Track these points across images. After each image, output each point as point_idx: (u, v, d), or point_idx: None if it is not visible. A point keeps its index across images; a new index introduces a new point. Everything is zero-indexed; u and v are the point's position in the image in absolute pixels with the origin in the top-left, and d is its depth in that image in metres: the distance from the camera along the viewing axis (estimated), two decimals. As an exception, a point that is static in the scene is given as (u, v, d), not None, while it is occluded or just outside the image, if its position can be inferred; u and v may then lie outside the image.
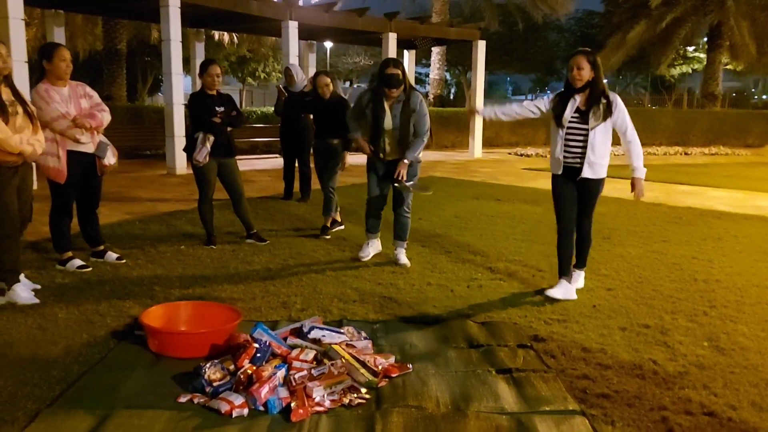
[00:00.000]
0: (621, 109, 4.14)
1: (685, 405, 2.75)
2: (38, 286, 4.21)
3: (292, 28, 12.14)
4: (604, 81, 4.17)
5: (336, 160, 6.15)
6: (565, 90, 4.22)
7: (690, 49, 31.59)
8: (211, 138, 5.32)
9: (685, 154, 18.60)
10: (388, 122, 4.77)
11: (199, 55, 14.22)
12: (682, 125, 21.61)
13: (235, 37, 20.09)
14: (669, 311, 4.03)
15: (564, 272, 4.33)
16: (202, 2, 10.90)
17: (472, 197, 8.85)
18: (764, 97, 45.58)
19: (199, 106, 5.39)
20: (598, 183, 4.22)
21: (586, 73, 4.06)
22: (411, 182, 4.86)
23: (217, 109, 5.36)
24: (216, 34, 19.00)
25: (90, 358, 3.14)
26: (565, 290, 4.26)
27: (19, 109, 3.88)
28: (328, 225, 6.14)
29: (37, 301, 3.96)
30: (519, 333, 3.59)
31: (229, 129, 5.46)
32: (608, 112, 4.09)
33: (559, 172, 4.26)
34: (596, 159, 4.13)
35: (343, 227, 6.31)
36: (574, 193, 4.26)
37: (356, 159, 6.32)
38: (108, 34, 16.55)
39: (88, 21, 18.82)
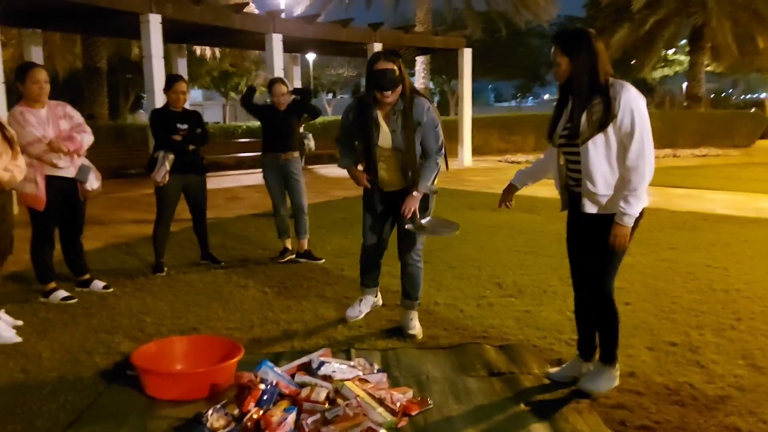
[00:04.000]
0: (627, 106, 2.63)
1: (734, 435, 2.53)
2: (20, 323, 3.92)
3: (276, 40, 11.91)
4: (599, 66, 2.71)
5: (298, 177, 5.58)
6: (560, 94, 2.93)
7: (670, 51, 31.80)
8: (171, 156, 5.03)
9: (675, 156, 18.57)
10: (385, 140, 3.54)
11: (182, 71, 13.93)
12: (670, 127, 21.59)
13: (217, 52, 19.79)
14: (694, 326, 3.81)
15: (579, 349, 3.10)
16: (183, 17, 10.63)
17: (468, 207, 8.64)
18: (743, 97, 46.03)
19: (159, 123, 5.14)
20: (609, 223, 2.76)
21: (563, 69, 2.77)
22: (426, 220, 3.67)
23: (179, 126, 5.09)
24: (198, 49, 18.68)
25: (78, 404, 2.85)
26: (568, 367, 3.10)
27: (-5, 134, 3.60)
28: (291, 249, 5.70)
29: (19, 339, 3.67)
30: (540, 357, 3.35)
31: (191, 147, 5.15)
32: (607, 115, 2.66)
33: (567, 210, 3.00)
34: (597, 189, 2.74)
35: (322, 260, 5.58)
36: (586, 239, 2.90)
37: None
38: (87, 52, 16.22)
39: (67, 39, 18.48)
